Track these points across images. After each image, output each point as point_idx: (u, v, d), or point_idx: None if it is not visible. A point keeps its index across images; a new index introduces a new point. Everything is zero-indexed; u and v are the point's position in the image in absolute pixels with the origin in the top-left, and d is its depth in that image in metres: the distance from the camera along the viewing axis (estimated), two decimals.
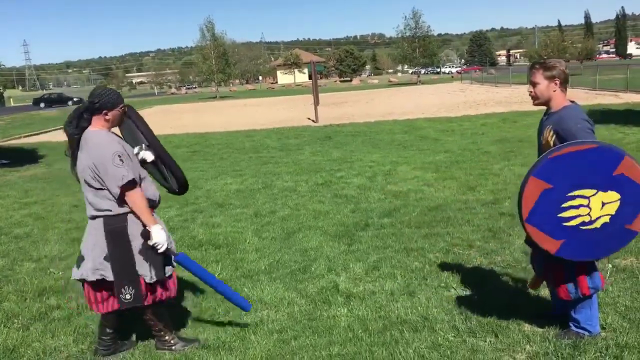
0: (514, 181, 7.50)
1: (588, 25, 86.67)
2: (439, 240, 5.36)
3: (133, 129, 3.46)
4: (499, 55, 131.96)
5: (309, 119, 21.02)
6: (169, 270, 3.38)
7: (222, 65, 54.54)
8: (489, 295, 4.02)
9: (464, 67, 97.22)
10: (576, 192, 2.90)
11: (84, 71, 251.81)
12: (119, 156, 3.12)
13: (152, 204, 3.38)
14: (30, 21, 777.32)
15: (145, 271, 3.27)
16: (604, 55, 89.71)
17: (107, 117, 3.23)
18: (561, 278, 3.20)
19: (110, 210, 3.23)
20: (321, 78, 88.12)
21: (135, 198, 3.19)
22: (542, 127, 3.28)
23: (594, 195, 2.89)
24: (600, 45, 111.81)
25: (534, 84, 3.22)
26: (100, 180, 3.16)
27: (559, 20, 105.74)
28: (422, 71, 67.26)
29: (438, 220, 6.07)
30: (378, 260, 4.94)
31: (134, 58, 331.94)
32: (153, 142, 3.40)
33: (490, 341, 3.36)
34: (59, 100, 55.79)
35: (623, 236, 2.99)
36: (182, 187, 3.60)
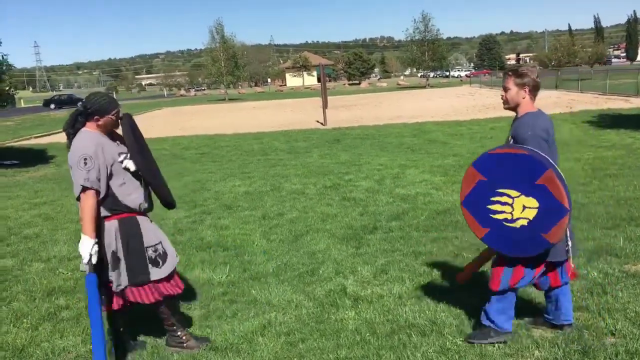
0: None
1: (598, 29, 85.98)
2: (447, 244, 5.34)
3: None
4: (509, 59, 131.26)
5: (317, 121, 21.04)
6: (145, 276, 3.30)
7: (231, 68, 54.76)
8: None
9: (473, 70, 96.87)
10: (504, 190, 3.11)
11: (94, 73, 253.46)
12: (85, 159, 3.10)
13: (131, 210, 3.30)
14: (41, 23, 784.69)
15: (110, 277, 3.27)
16: (613, 60, 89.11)
17: (99, 123, 3.25)
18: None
19: None
20: (330, 81, 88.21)
21: (84, 204, 3.12)
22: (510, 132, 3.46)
23: (517, 197, 3.07)
24: (611, 50, 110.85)
25: (505, 89, 3.35)
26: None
27: (569, 24, 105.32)
28: (431, 74, 67.08)
29: (446, 224, 6.05)
30: (386, 264, 4.94)
31: (143, 60, 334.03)
32: (134, 157, 3.31)
33: (498, 346, 3.34)
34: (69, 102, 56.03)
35: (538, 243, 3.06)
36: (165, 205, 3.55)
